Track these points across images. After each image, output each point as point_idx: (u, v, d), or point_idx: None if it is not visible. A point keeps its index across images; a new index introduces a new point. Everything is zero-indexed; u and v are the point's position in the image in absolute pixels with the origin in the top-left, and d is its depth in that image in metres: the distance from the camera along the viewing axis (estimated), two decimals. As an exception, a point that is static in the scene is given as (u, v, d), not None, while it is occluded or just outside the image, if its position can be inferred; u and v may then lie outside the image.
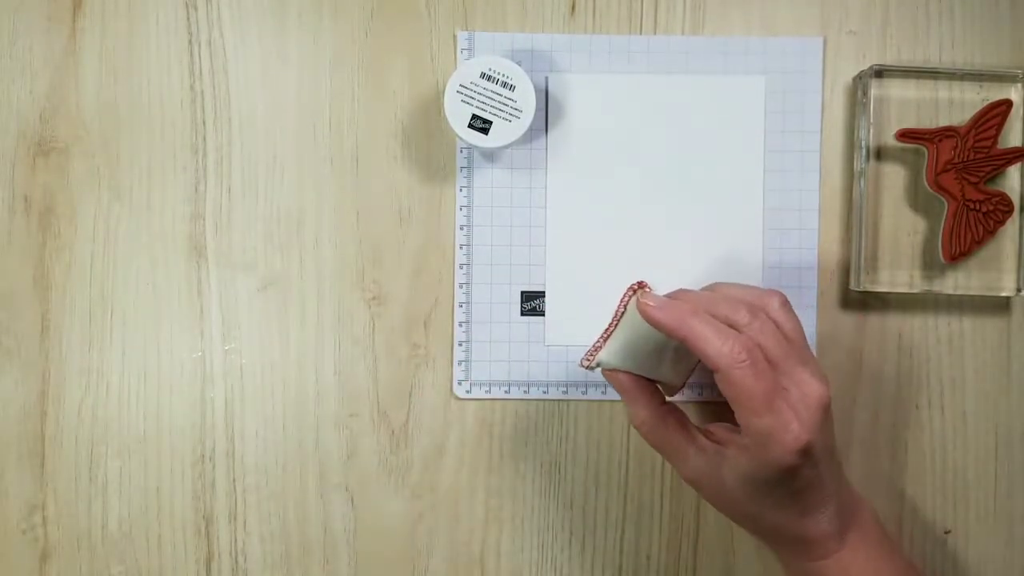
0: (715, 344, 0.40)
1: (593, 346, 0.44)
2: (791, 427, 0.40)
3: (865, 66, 0.50)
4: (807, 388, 0.41)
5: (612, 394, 0.51)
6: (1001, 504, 0.51)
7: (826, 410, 0.41)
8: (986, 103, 0.49)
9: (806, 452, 0.40)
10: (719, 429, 0.45)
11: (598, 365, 0.44)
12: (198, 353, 0.51)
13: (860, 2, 0.51)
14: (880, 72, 0.50)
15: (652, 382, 0.45)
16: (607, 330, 0.44)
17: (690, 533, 0.51)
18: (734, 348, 0.40)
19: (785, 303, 0.44)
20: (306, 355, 0.51)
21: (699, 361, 0.46)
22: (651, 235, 0.51)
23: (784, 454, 0.40)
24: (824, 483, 0.42)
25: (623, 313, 0.44)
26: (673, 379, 0.46)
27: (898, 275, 0.51)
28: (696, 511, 0.51)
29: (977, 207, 0.49)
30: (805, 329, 0.50)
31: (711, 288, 0.46)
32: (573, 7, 0.51)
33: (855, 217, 0.50)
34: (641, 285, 0.44)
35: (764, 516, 0.43)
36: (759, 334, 0.41)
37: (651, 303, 0.42)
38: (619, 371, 0.44)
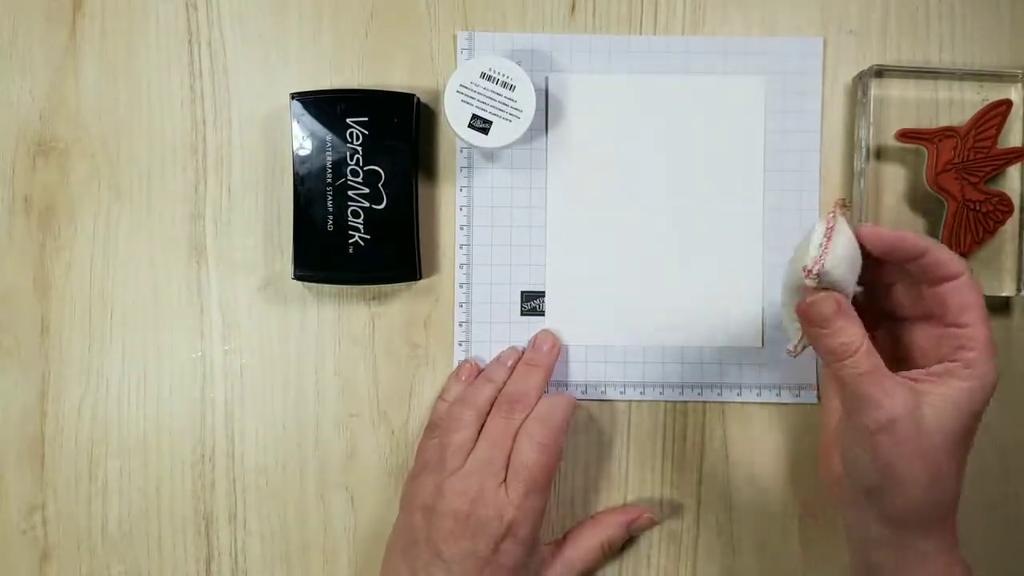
0: (956, 256, 0.40)
1: (812, 260, 0.40)
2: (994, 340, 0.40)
3: (865, 66, 0.50)
4: None
5: (612, 394, 0.51)
6: (1001, 504, 0.51)
7: None
8: (986, 103, 0.49)
9: None
10: (903, 374, 0.41)
11: (825, 274, 0.40)
12: (198, 353, 0.51)
13: (860, 2, 0.51)
14: (880, 72, 0.50)
15: None
16: (824, 244, 0.40)
17: (690, 533, 0.51)
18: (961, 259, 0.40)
19: None
20: (306, 355, 0.51)
21: None
22: (651, 235, 0.51)
23: (994, 366, 0.40)
24: None
25: (834, 226, 0.41)
26: None
27: (898, 275, 0.51)
28: (696, 511, 0.51)
29: (977, 207, 0.49)
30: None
31: None
32: (573, 7, 0.51)
33: (855, 217, 0.50)
34: (843, 202, 0.42)
35: (936, 472, 0.39)
36: None
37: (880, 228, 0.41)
38: (835, 288, 0.40)
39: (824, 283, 0.40)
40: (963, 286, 0.40)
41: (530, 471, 0.44)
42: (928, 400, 0.39)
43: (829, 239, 0.40)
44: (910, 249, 0.41)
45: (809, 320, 0.40)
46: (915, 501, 0.40)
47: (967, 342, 0.40)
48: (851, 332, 0.39)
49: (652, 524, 0.50)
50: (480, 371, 0.50)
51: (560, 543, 0.48)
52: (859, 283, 0.42)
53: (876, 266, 0.41)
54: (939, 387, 0.40)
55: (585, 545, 0.48)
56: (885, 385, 0.39)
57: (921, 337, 0.42)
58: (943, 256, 0.40)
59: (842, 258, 0.40)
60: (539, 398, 0.47)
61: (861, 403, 0.39)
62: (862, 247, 0.41)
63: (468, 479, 0.44)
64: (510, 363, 0.49)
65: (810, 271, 0.40)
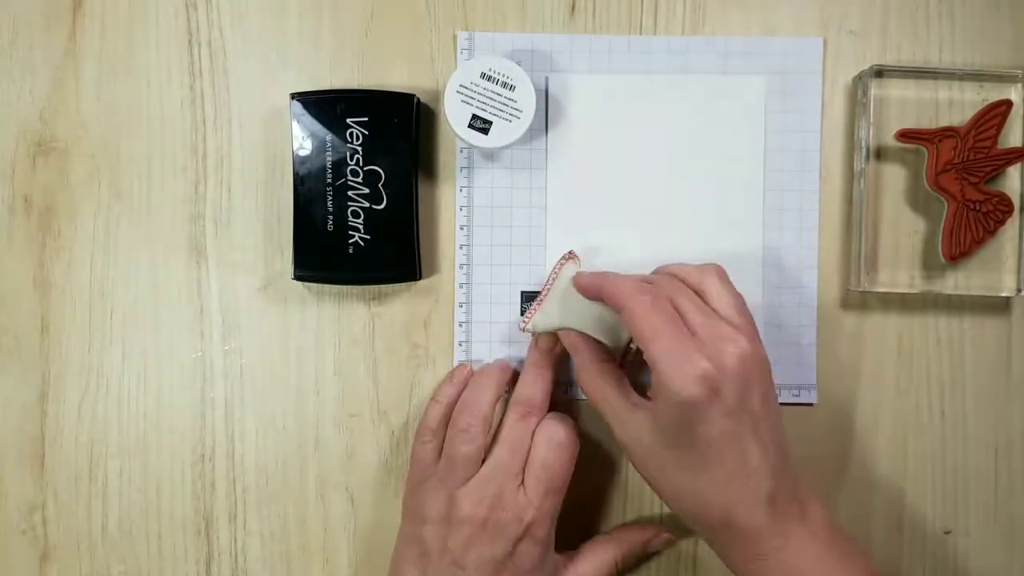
0: (624, 291, 0.42)
1: (529, 311, 0.48)
2: (692, 356, 0.39)
3: (865, 66, 0.50)
4: (725, 335, 0.40)
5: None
6: (1001, 504, 0.51)
7: (746, 363, 0.40)
8: (986, 103, 0.49)
9: (711, 386, 0.39)
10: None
11: (534, 329, 0.48)
12: (198, 353, 0.51)
13: (860, 2, 0.51)
14: (880, 72, 0.50)
15: (598, 342, 0.47)
16: (540, 297, 0.48)
17: (690, 533, 0.51)
18: (640, 291, 0.41)
19: (721, 276, 0.44)
20: (306, 355, 0.51)
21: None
22: (651, 235, 0.51)
23: (684, 382, 0.39)
24: (747, 451, 0.40)
25: (554, 280, 0.48)
26: (609, 345, 0.47)
27: (898, 275, 0.51)
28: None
29: (977, 207, 0.49)
30: (805, 330, 0.51)
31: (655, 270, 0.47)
32: (573, 7, 0.51)
33: (855, 217, 0.50)
34: (571, 255, 0.48)
35: (684, 488, 0.41)
36: (665, 287, 0.43)
37: (580, 273, 0.47)
38: (558, 331, 0.47)
39: (545, 331, 0.48)
40: (628, 318, 0.41)
41: (550, 471, 0.45)
42: (649, 419, 0.42)
43: (542, 298, 0.48)
44: (592, 293, 0.45)
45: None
46: (680, 515, 0.43)
47: (650, 368, 0.41)
48: (576, 363, 0.46)
49: (669, 544, 0.50)
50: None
51: (574, 555, 0.48)
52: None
53: None
54: (652, 407, 0.42)
55: (600, 559, 0.48)
56: (617, 411, 0.43)
57: None
58: (611, 295, 0.42)
59: (554, 314, 0.47)
60: (549, 399, 0.47)
61: (608, 423, 0.44)
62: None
63: (485, 486, 0.44)
64: (496, 369, 0.49)
65: (523, 328, 0.48)
